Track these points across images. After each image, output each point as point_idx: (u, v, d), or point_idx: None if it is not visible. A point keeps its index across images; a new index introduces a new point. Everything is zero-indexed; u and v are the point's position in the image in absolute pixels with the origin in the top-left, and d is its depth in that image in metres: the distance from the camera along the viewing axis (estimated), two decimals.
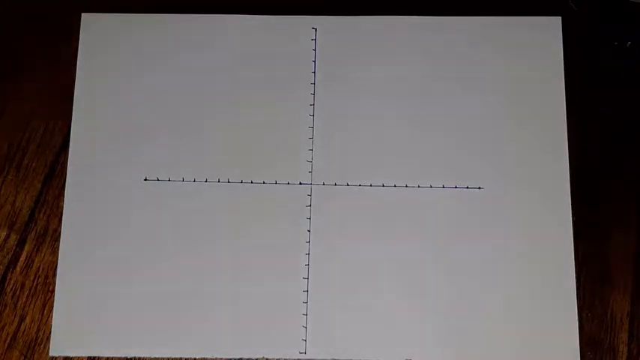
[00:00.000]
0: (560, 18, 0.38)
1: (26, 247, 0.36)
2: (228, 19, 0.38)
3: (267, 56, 0.37)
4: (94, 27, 0.38)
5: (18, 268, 0.35)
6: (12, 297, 0.35)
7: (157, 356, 0.34)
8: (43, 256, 0.35)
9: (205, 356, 0.34)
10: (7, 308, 0.35)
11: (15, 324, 0.35)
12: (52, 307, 0.35)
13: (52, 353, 0.34)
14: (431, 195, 0.36)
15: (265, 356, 0.34)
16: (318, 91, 0.37)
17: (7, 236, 0.36)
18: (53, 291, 0.35)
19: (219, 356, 0.34)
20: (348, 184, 0.36)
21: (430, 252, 0.35)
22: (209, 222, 0.36)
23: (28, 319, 0.35)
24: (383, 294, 0.35)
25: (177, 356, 0.34)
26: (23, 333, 0.35)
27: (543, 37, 0.38)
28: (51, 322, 0.35)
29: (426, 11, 0.37)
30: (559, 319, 0.34)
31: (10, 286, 0.35)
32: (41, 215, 0.36)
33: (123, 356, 0.34)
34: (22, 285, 0.35)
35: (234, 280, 0.35)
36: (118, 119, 0.37)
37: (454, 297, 0.35)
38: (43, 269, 0.35)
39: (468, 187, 0.36)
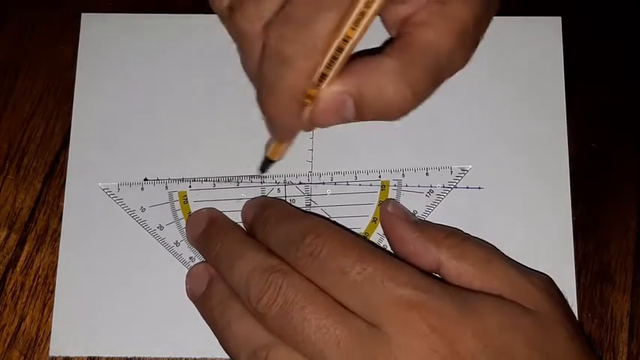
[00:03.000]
0: (560, 18, 0.38)
1: (26, 247, 0.36)
2: None
3: None
4: (94, 27, 0.38)
5: (18, 268, 0.35)
6: (12, 297, 0.35)
7: (156, 356, 0.34)
8: (43, 256, 0.35)
9: (205, 356, 0.34)
10: (7, 308, 0.35)
11: (15, 324, 0.35)
12: (52, 307, 0.35)
13: (52, 353, 0.34)
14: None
15: None
16: None
17: (7, 236, 0.36)
18: (53, 291, 0.35)
19: (219, 356, 0.34)
20: (347, 184, 0.36)
21: None
22: None
23: (28, 319, 0.35)
24: None
25: (178, 356, 0.34)
26: (23, 333, 0.35)
27: (543, 37, 0.38)
28: (51, 322, 0.35)
29: None
30: None
31: (10, 286, 0.35)
32: (41, 215, 0.36)
33: (123, 356, 0.34)
34: (22, 285, 0.35)
35: None
36: (117, 119, 0.37)
37: None
38: (43, 269, 0.35)
39: (468, 187, 0.36)
